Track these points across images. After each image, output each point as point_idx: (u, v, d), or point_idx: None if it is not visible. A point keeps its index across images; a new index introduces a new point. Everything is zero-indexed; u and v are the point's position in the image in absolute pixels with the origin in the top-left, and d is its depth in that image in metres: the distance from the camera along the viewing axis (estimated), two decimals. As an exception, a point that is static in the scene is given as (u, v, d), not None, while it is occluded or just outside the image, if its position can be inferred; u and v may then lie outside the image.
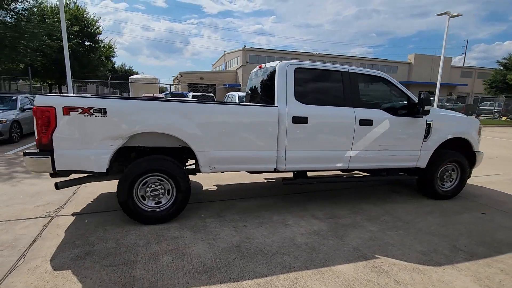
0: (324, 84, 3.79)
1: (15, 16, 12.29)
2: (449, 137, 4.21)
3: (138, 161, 3.15)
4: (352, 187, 4.93)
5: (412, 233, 3.28)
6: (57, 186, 3.06)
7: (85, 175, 3.24)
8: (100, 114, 2.89)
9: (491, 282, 2.45)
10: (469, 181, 5.48)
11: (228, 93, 12.22)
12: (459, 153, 4.39)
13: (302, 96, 3.57)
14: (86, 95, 3.82)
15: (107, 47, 22.56)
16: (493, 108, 26.52)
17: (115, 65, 44.58)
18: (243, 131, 3.36)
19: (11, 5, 12.01)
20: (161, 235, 3.03)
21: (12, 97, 8.95)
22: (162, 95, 18.11)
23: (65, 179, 3.20)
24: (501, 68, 28.06)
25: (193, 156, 3.34)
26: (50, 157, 2.84)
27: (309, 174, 4.17)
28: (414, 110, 3.91)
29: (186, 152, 3.46)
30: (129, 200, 3.11)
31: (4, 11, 12.25)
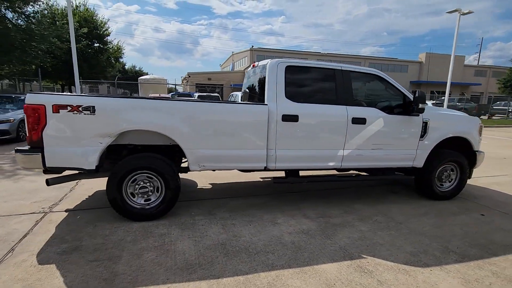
0: (316, 82, 3.75)
1: (25, 19, 12.64)
2: (447, 136, 4.10)
3: (127, 158, 3.19)
4: (350, 186, 4.87)
5: (404, 234, 3.21)
6: (48, 182, 3.12)
7: (77, 172, 3.30)
8: (89, 112, 2.94)
9: (480, 284, 2.37)
10: (472, 182, 5.35)
11: (232, 93, 12.27)
12: (459, 153, 4.27)
13: (293, 94, 3.54)
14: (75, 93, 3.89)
15: (115, 48, 22.97)
16: (507, 108, 25.73)
17: (125, 66, 45.41)
18: (232, 129, 3.36)
19: (23, 8, 12.35)
20: (149, 231, 3.05)
21: (20, 97, 9.22)
22: (169, 95, 18.30)
23: (56, 175, 3.26)
24: (516, 66, 27.20)
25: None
26: (40, 154, 2.90)
27: (303, 173, 4.15)
28: (409, 108, 3.83)
29: (178, 150, 3.47)
30: (118, 197, 3.15)
31: (16, 14, 12.61)
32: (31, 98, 2.85)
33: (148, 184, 3.26)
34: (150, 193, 3.29)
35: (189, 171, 3.42)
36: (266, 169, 3.58)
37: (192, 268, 2.44)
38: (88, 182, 4.64)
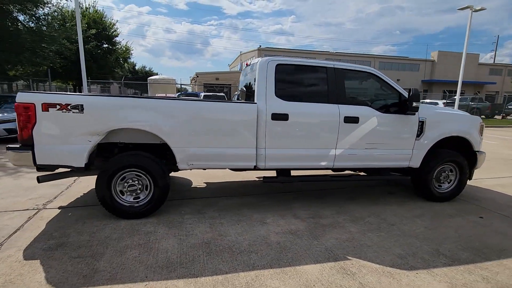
0: (307, 80, 3.70)
1: (36, 21, 12.98)
2: (446, 136, 3.98)
3: (115, 156, 3.22)
4: (346, 187, 4.79)
5: (394, 236, 3.13)
6: (39, 179, 3.18)
7: (69, 169, 3.35)
8: (77, 111, 2.98)
9: (468, 289, 2.28)
10: (476, 183, 5.19)
11: (236, 92, 12.28)
12: (458, 153, 4.14)
13: (283, 92, 3.51)
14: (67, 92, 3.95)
15: (124, 48, 23.36)
16: (522, 107, 24.84)
17: (136, 67, 46.12)
18: (221, 128, 3.35)
19: (33, 10, 12.69)
20: (136, 229, 3.07)
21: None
22: (175, 95, 18.48)
23: (47, 173, 3.32)
24: (533, 64, 26.22)
25: None
26: (31, 151, 2.96)
27: (296, 172, 4.11)
28: (405, 107, 3.73)
29: (168, 149, 3.48)
30: (107, 194, 3.18)
31: (27, 16, 12.97)
32: (21, 97, 2.91)
33: (136, 182, 3.28)
34: (139, 191, 3.31)
35: (178, 169, 3.42)
36: (256, 168, 3.55)
37: (173, 267, 2.43)
38: (86, 179, 4.71)
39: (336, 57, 39.01)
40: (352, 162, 3.80)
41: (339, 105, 3.62)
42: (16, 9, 12.27)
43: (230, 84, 32.44)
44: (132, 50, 24.38)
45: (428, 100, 25.82)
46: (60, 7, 15.74)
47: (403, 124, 3.83)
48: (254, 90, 4.02)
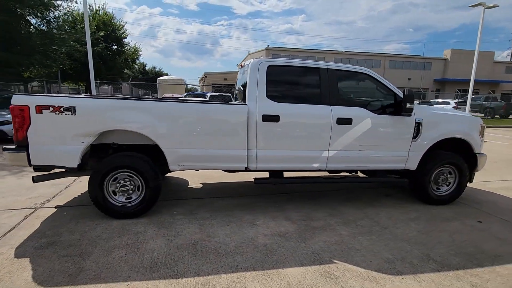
0: (300, 82, 3.68)
1: (47, 24, 13.34)
2: (444, 138, 3.88)
3: (108, 157, 3.28)
4: (343, 188, 4.73)
5: (385, 239, 3.07)
6: (34, 179, 3.27)
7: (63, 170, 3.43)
8: (69, 112, 3.05)
9: (454, 296, 2.23)
10: (479, 186, 5.05)
11: (233, 90, 12.29)
12: (457, 155, 4.03)
13: (274, 94, 3.49)
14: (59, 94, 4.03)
15: (132, 50, 23.74)
16: (539, 107, 23.93)
17: (146, 67, 46.79)
18: (211, 129, 3.36)
19: (44, 13, 13.04)
20: (126, 229, 3.12)
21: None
22: (181, 95, 18.65)
23: (42, 173, 3.40)
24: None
25: None
26: (25, 152, 3.05)
27: (291, 174, 4.08)
28: (400, 108, 3.66)
29: (160, 150, 3.52)
30: (99, 195, 3.24)
31: (38, 19, 13.34)
32: (16, 100, 3.00)
33: (128, 182, 3.33)
34: (131, 192, 3.36)
35: (170, 171, 3.45)
36: (247, 169, 3.55)
37: (156, 267, 2.46)
38: (85, 179, 4.74)
39: (344, 56, 38.54)
40: (346, 164, 3.75)
41: (331, 106, 3.58)
42: (28, 12, 12.62)
43: (238, 84, 32.52)
44: (141, 51, 24.80)
45: (440, 100, 25.25)
46: (70, 9, 16.12)
47: (399, 126, 3.76)
48: (240, 91, 4.03)
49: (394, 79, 39.61)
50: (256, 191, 4.54)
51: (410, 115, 3.70)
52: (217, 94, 16.99)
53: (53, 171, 3.45)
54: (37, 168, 3.31)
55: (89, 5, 19.81)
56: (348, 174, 4.28)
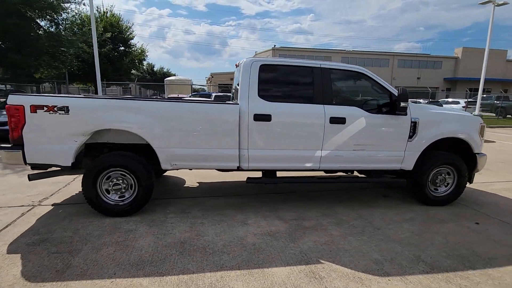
0: (293, 81, 3.66)
1: (55, 26, 13.64)
2: (441, 137, 3.80)
3: (101, 156, 3.33)
4: (341, 189, 4.68)
5: (376, 240, 3.03)
6: (29, 178, 3.34)
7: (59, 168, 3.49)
8: (63, 112, 3.11)
9: (441, 299, 2.18)
10: (482, 187, 4.93)
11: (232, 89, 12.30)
12: (455, 155, 3.94)
13: (266, 93, 3.48)
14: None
15: (139, 51, 24.05)
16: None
17: (154, 68, 47.33)
18: (203, 128, 3.37)
19: (53, 16, 13.34)
20: (118, 227, 3.16)
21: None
22: (188, 95, 18.80)
23: (38, 171, 3.47)
24: None
25: None
26: (21, 151, 3.12)
27: (288, 174, 4.06)
28: (395, 107, 3.60)
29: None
30: (93, 193, 3.29)
31: (47, 22, 13.64)
32: (12, 99, 3.07)
33: (121, 181, 3.37)
34: (124, 190, 3.40)
35: (162, 169, 3.48)
36: (239, 169, 3.55)
37: (142, 265, 2.49)
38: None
39: (352, 55, 38.19)
40: (340, 164, 3.72)
41: (325, 105, 3.55)
42: (37, 15, 12.92)
43: (245, 84, 32.58)
44: (148, 52, 25.10)
45: (450, 99, 24.76)
46: (79, 11, 16.44)
47: (394, 125, 3.70)
48: (236, 90, 4.03)
49: (403, 78, 39.17)
50: (252, 190, 4.54)
51: (406, 114, 3.64)
52: (222, 94, 17.06)
53: (50, 169, 3.53)
54: (34, 166, 3.39)
55: (97, 7, 20.22)
56: (344, 174, 4.23)
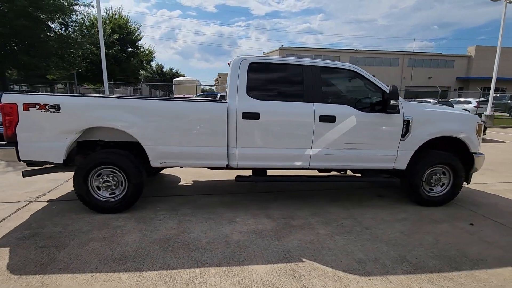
0: (282, 79, 3.65)
1: (64, 28, 13.99)
2: (435, 136, 3.71)
3: (91, 154, 3.39)
4: (337, 188, 4.64)
5: (363, 240, 2.99)
6: (23, 174, 3.44)
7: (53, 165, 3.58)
8: (54, 110, 3.18)
9: (421, 300, 2.13)
10: (483, 188, 4.81)
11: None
12: (451, 155, 3.85)
13: (255, 91, 3.48)
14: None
15: (146, 51, 24.42)
16: None
17: (163, 69, 47.92)
18: (191, 127, 3.40)
19: (62, 18, 13.68)
20: (107, 223, 3.22)
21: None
22: (194, 96, 18.95)
23: (31, 168, 3.56)
24: None
25: None
26: (14, 148, 3.21)
27: (278, 172, 4.05)
28: (386, 105, 3.54)
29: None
30: (83, 189, 3.36)
31: (57, 24, 14.00)
32: (5, 98, 3.16)
33: (111, 178, 3.42)
34: (114, 187, 3.46)
35: (152, 167, 3.52)
36: (228, 167, 3.56)
37: (125, 260, 2.52)
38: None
39: (361, 55, 37.74)
40: (330, 163, 3.68)
41: (314, 103, 3.52)
42: (47, 17, 13.26)
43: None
44: (155, 52, 25.47)
45: (462, 99, 24.18)
46: (88, 14, 16.81)
47: (386, 124, 3.64)
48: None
49: (413, 77, 38.46)
50: (245, 189, 4.54)
51: (397, 113, 3.58)
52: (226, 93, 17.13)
53: (44, 166, 3.62)
54: (30, 163, 3.49)
55: (106, 9, 20.66)
56: (337, 173, 4.18)
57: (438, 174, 3.90)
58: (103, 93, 26.27)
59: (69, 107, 3.21)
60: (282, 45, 35.40)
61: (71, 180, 4.74)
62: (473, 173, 4.15)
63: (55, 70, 14.33)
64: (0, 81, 13.22)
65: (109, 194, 3.47)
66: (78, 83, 21.57)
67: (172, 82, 26.70)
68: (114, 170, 3.42)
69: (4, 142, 3.27)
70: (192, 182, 4.86)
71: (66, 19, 14.12)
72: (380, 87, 3.66)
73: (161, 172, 5.17)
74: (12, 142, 3.22)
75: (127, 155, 3.42)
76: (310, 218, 3.50)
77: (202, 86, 29.67)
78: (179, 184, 4.78)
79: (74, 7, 14.07)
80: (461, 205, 4.05)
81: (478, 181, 5.09)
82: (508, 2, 14.64)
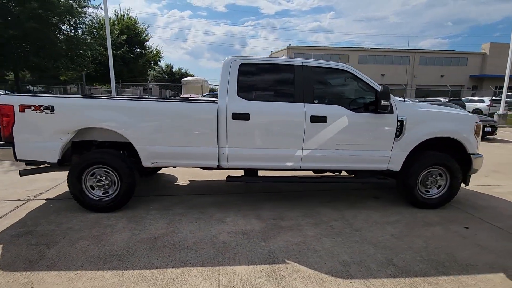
0: (273, 79, 3.64)
1: (73, 30, 14.32)
2: (430, 137, 3.64)
3: (85, 153, 3.47)
4: (330, 189, 4.59)
5: (351, 242, 2.95)
6: (20, 173, 3.54)
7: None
8: (49, 111, 3.27)
9: (402, 304, 2.10)
10: (485, 190, 4.68)
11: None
12: (447, 156, 3.76)
13: (246, 92, 3.49)
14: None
15: (154, 52, 24.73)
16: None
17: (173, 69, 48.41)
18: (183, 127, 3.43)
19: (72, 20, 14.01)
20: (99, 222, 3.28)
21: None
22: (200, 95, 19.10)
23: (28, 167, 3.66)
24: None
25: None
26: (11, 148, 3.32)
27: (269, 173, 4.05)
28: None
29: None
30: (77, 188, 3.44)
31: (67, 26, 14.34)
32: (2, 99, 3.27)
33: (104, 178, 3.49)
34: (107, 187, 3.52)
35: (143, 167, 3.57)
36: (219, 167, 3.58)
37: (110, 259, 2.57)
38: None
39: (370, 53, 37.19)
40: (322, 164, 3.65)
41: (305, 104, 3.50)
42: (57, 20, 13.60)
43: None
44: (163, 53, 25.79)
45: (476, 98, 23.54)
46: (96, 15, 17.16)
47: (379, 124, 3.58)
48: None
49: (425, 76, 37.67)
50: (239, 189, 4.55)
51: (390, 113, 3.52)
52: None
53: (41, 166, 3.72)
54: (28, 163, 3.60)
55: (115, 11, 21.05)
56: (331, 174, 4.14)
57: (434, 176, 3.82)
58: (117, 93, 26.84)
59: (63, 108, 3.29)
60: (289, 44, 35.24)
61: (71, 179, 4.89)
62: (475, 175, 4.06)
63: (65, 71, 14.71)
64: (14, 82, 13.69)
65: (103, 193, 3.54)
66: (88, 84, 22.05)
67: (180, 82, 27.06)
68: (107, 170, 3.48)
69: (2, 142, 3.38)
70: (189, 182, 4.90)
71: (75, 20, 14.47)
72: (374, 87, 3.61)
73: (158, 171, 5.23)
74: (9, 142, 3.32)
75: (120, 155, 3.48)
76: (300, 219, 3.48)
77: (210, 86, 29.95)
78: (175, 183, 4.83)
79: (83, 9, 14.40)
80: (458, 207, 3.95)
81: (481, 183, 4.96)
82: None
